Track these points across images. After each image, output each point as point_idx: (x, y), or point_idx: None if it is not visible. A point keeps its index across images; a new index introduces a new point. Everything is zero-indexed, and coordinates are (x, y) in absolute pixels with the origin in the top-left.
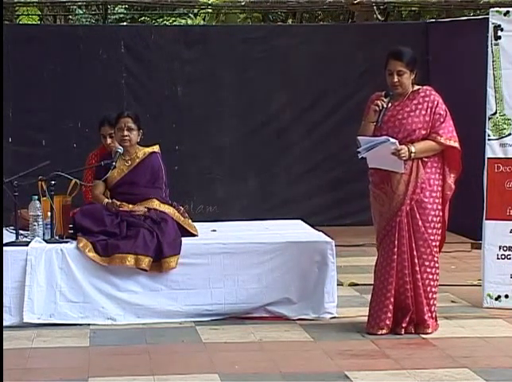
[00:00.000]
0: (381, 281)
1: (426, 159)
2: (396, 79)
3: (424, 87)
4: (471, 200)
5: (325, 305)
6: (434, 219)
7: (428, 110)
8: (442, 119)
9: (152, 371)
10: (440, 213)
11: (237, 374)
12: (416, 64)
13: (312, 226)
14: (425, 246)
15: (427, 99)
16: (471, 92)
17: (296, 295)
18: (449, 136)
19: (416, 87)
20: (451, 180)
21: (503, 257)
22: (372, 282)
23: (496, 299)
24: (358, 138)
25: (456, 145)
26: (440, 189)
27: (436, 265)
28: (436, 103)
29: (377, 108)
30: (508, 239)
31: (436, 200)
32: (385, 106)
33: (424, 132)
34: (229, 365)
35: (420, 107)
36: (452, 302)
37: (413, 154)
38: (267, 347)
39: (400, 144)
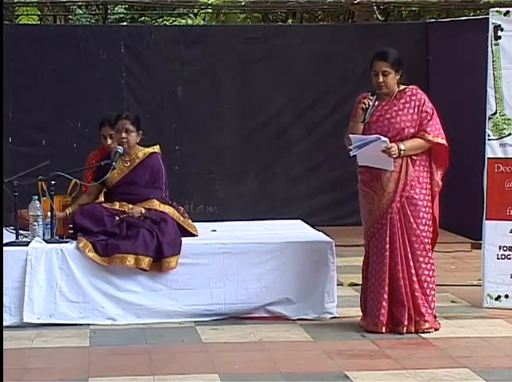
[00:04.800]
0: (376, 278)
1: (415, 157)
2: (381, 80)
3: (411, 87)
4: (471, 200)
5: (325, 305)
6: (425, 215)
7: (416, 108)
8: (429, 117)
9: (152, 371)
10: (430, 210)
11: (237, 374)
12: (401, 65)
13: (312, 226)
14: (418, 242)
15: (414, 97)
16: (471, 92)
17: (296, 295)
18: (436, 133)
19: (402, 87)
20: (438, 176)
21: (503, 257)
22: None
23: (496, 299)
24: (350, 136)
25: (444, 142)
26: (428, 186)
27: (431, 261)
28: (422, 101)
29: (364, 106)
30: (508, 239)
31: (426, 197)
32: (371, 104)
33: (412, 130)
34: (229, 365)
35: (407, 105)
36: (452, 302)
37: (402, 152)
38: (267, 347)
39: (389, 143)
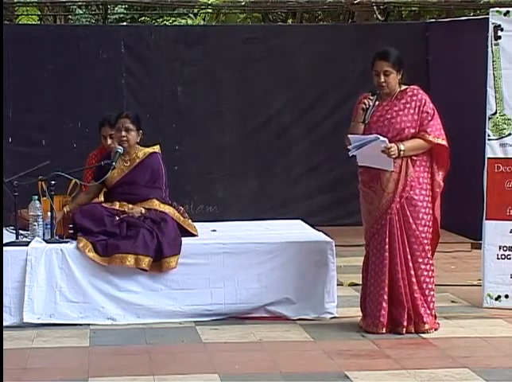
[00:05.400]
0: (375, 279)
1: (415, 157)
2: (382, 80)
3: (412, 87)
4: (471, 200)
5: (325, 305)
6: (425, 216)
7: (416, 109)
8: (430, 118)
9: (152, 371)
10: (431, 211)
11: (237, 374)
12: (402, 65)
13: (312, 226)
14: (417, 243)
15: (414, 98)
16: (471, 92)
17: (296, 295)
18: (437, 134)
19: (403, 87)
20: (439, 177)
21: (503, 257)
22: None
23: (496, 299)
24: (349, 136)
25: (444, 143)
26: (429, 186)
27: (430, 262)
28: (423, 101)
29: (364, 106)
30: (508, 239)
31: (426, 198)
32: (371, 104)
33: (413, 131)
34: (229, 365)
35: (408, 106)
36: (452, 302)
37: (402, 152)
38: (267, 347)
39: (389, 143)
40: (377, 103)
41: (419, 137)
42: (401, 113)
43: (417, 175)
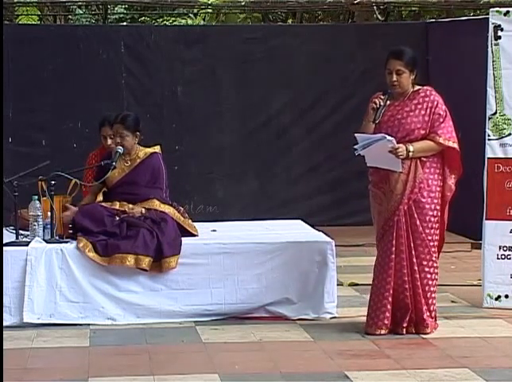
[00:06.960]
0: (379, 280)
1: (425, 159)
2: (395, 79)
3: (425, 88)
4: (471, 200)
5: (325, 305)
6: (432, 219)
7: (428, 110)
8: (441, 120)
9: (152, 371)
10: (438, 214)
11: (237, 374)
12: (416, 65)
13: (312, 226)
14: (423, 246)
15: (427, 99)
16: (471, 92)
17: (296, 295)
18: (448, 136)
19: (416, 88)
20: (451, 181)
21: (503, 257)
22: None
23: (496, 299)
24: (356, 135)
25: (455, 145)
26: (438, 189)
27: (435, 265)
28: (435, 103)
29: (374, 106)
30: (508, 239)
31: (435, 201)
32: (382, 103)
33: (423, 132)
34: (229, 365)
35: (419, 106)
36: (452, 302)
37: (411, 153)
38: (267, 347)
39: (399, 143)
40: (388, 102)
41: (429, 139)
42: (411, 113)
43: (426, 177)
